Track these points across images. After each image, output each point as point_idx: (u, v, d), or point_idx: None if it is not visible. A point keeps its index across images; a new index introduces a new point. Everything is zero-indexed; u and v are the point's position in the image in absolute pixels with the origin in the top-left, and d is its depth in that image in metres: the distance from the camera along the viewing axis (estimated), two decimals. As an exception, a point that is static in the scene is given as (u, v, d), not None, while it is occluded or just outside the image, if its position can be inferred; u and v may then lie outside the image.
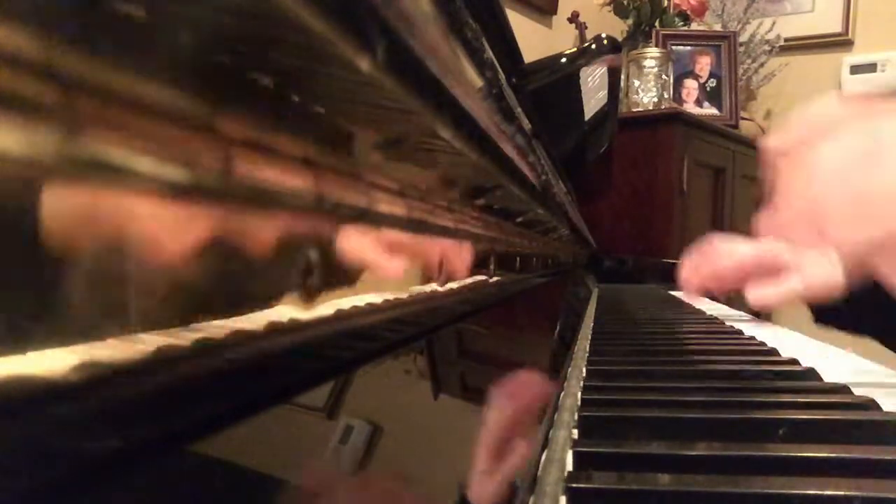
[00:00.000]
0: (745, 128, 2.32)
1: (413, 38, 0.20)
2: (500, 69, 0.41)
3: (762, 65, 2.51)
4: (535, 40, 2.09)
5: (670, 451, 0.29)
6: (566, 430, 0.32)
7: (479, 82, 0.33)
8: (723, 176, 2.05)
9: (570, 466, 0.28)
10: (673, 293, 1.20)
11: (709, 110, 2.23)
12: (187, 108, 0.13)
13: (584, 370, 0.46)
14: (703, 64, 2.26)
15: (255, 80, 0.16)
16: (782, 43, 2.49)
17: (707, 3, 2.35)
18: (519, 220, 0.60)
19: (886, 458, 0.27)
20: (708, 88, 2.26)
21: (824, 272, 0.53)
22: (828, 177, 0.48)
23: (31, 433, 0.10)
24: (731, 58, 2.26)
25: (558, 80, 1.26)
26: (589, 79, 1.48)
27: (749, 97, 2.60)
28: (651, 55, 2.04)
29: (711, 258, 0.67)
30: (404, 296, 0.27)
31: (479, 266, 0.42)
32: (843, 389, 0.41)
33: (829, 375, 0.45)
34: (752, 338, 0.65)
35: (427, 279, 0.31)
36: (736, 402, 0.37)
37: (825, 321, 0.67)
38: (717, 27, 2.46)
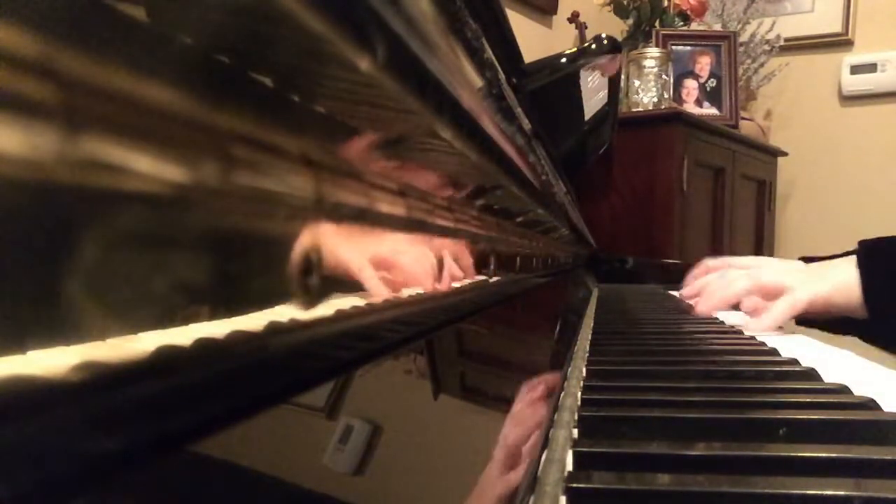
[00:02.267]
0: (745, 128, 2.32)
1: (413, 38, 0.20)
2: (500, 69, 0.41)
3: (762, 65, 2.51)
4: (535, 40, 2.09)
5: (670, 451, 0.29)
6: (566, 430, 0.32)
7: (479, 82, 0.33)
8: (723, 176, 2.05)
9: (570, 466, 0.28)
10: (673, 293, 1.20)
11: (709, 110, 2.22)
12: (187, 108, 0.13)
13: (584, 370, 0.46)
14: (703, 64, 2.26)
15: (255, 80, 0.16)
16: (782, 43, 2.49)
17: (707, 3, 2.35)
18: (519, 220, 0.60)
19: (886, 458, 0.27)
20: (708, 88, 2.26)
21: (812, 288, 0.77)
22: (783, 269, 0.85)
23: (31, 433, 0.10)
24: (731, 58, 2.26)
25: (558, 80, 1.26)
26: (589, 79, 1.48)
27: (749, 97, 2.60)
28: (651, 55, 2.03)
29: (713, 289, 0.88)
30: (404, 296, 0.27)
31: (479, 266, 0.42)
32: (843, 389, 0.41)
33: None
34: (752, 338, 0.65)
35: (427, 279, 0.31)
36: (736, 402, 0.37)
37: (843, 332, 0.79)
38: (717, 27, 2.46)
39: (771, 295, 0.81)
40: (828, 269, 0.81)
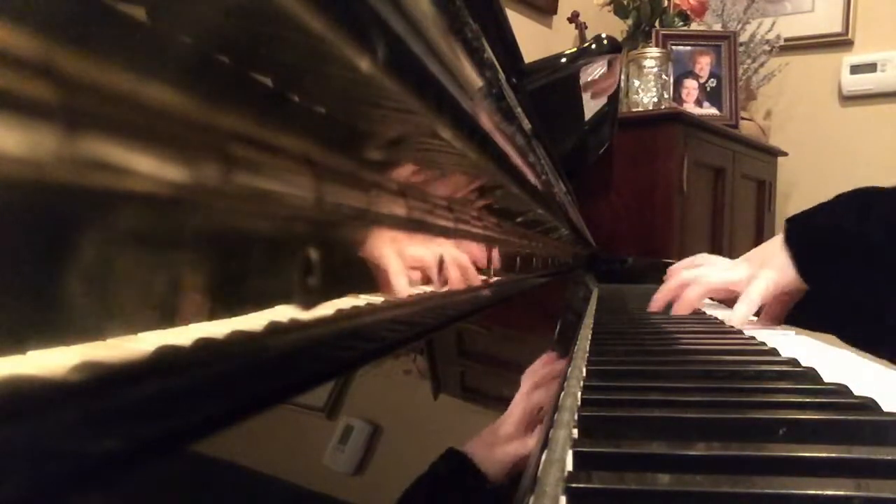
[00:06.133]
0: (745, 128, 2.32)
1: (413, 38, 0.20)
2: (500, 69, 0.41)
3: (762, 65, 2.51)
4: (535, 40, 2.09)
5: (670, 451, 0.29)
6: (566, 430, 0.32)
7: (479, 82, 0.33)
8: (723, 176, 2.05)
9: (570, 466, 0.28)
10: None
11: (709, 110, 2.22)
12: (187, 108, 0.13)
13: (584, 370, 0.46)
14: (703, 64, 2.26)
15: (255, 80, 0.16)
16: (782, 43, 2.49)
17: (707, 3, 2.35)
18: (519, 220, 0.61)
19: (886, 458, 0.27)
20: (708, 88, 2.26)
21: (765, 283, 0.81)
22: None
23: (31, 433, 0.10)
24: (731, 58, 2.26)
25: (558, 80, 1.26)
26: (589, 79, 1.48)
27: (749, 97, 2.60)
28: (651, 55, 2.03)
29: (684, 290, 0.89)
30: (404, 296, 0.27)
31: (479, 266, 0.42)
32: (843, 389, 0.41)
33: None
34: (752, 338, 0.65)
35: (427, 279, 0.31)
36: (736, 402, 0.37)
37: (792, 322, 0.87)
38: (717, 27, 2.45)
39: (725, 293, 0.86)
40: (762, 256, 0.85)
